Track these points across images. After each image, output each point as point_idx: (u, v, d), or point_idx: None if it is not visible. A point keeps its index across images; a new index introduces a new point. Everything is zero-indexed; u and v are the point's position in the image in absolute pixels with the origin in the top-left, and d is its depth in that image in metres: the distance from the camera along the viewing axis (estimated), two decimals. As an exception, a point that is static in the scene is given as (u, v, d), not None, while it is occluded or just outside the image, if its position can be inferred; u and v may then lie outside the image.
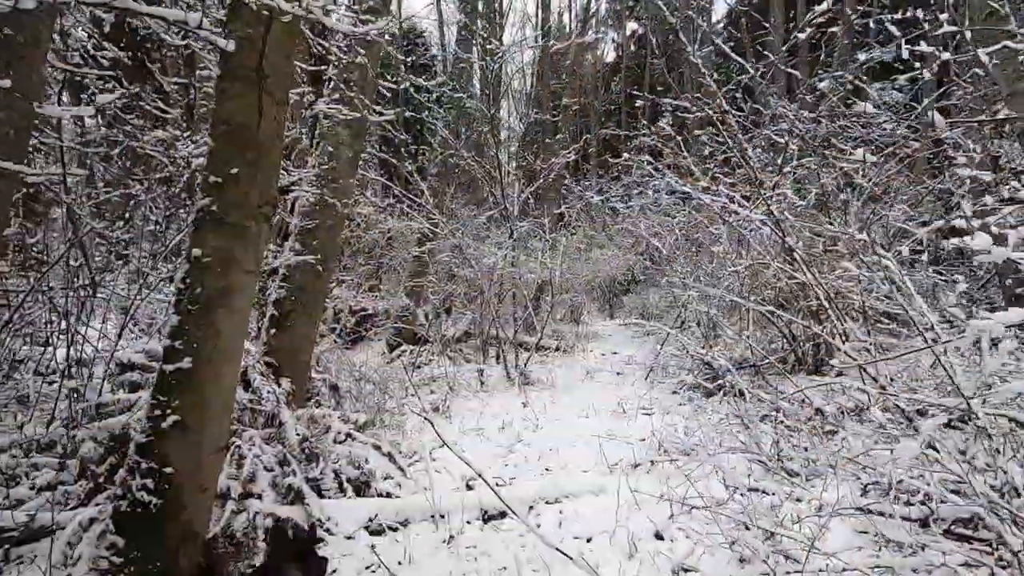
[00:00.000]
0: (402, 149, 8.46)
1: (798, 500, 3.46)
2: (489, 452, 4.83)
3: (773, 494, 3.56)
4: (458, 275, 7.69)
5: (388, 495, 3.54)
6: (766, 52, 12.78)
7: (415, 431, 5.41)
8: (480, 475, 2.81)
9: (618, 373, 8.47)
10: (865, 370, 4.68)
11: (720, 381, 6.72)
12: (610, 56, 29.40)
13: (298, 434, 3.53)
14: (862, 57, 7.38)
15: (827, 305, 5.02)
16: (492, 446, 4.99)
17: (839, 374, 7.71)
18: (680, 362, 7.80)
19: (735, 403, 6.05)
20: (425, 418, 3.66)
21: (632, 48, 27.92)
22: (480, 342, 8.70)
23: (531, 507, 3.53)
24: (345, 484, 3.40)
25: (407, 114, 9.52)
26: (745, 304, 5.44)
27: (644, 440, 4.96)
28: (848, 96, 6.74)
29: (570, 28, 25.46)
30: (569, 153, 7.81)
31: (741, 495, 3.50)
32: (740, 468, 4.00)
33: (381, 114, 4.62)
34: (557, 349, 10.37)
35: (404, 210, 8.33)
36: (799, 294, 6.55)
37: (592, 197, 8.29)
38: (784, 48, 7.62)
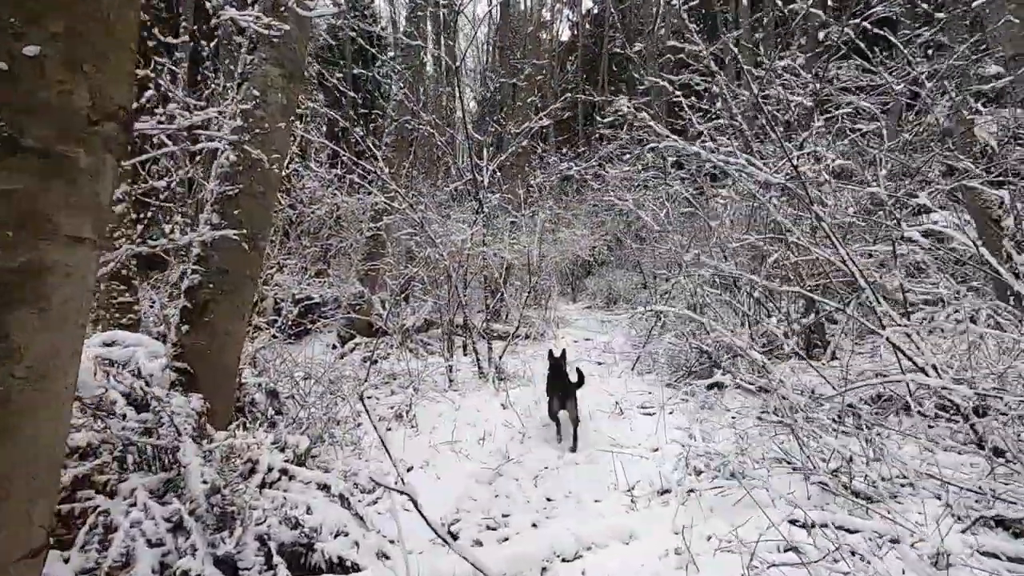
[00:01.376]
0: (352, 111, 7.17)
1: (894, 541, 2.58)
2: (471, 475, 3.78)
3: (857, 531, 2.67)
4: (419, 257, 6.55)
5: (340, 565, 2.44)
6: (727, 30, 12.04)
7: (376, 447, 4.30)
8: (464, 556, 1.77)
9: (599, 363, 7.56)
10: (905, 355, 3.91)
11: (721, 371, 5.90)
12: (565, 35, 28.35)
13: (205, 481, 2.37)
14: (820, 35, 6.65)
15: (864, 284, 4.19)
16: (474, 466, 3.93)
17: (833, 358, 7.06)
18: (669, 349, 6.95)
19: (743, 397, 5.23)
20: (382, 441, 2.59)
21: (588, 27, 26.92)
22: (445, 332, 7.59)
23: (544, 570, 2.52)
24: (275, 557, 2.27)
25: (356, 71, 8.17)
26: (761, 283, 4.55)
27: (657, 451, 4.02)
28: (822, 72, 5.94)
29: (525, 5, 24.22)
30: (541, 117, 6.76)
31: (822, 531, 2.59)
32: (797, 491, 3.11)
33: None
34: (527, 336, 9.39)
35: (355, 183, 7.07)
36: (809, 272, 5.78)
37: (568, 168, 7.27)
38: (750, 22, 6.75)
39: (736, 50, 5.27)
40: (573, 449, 4.14)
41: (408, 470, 3.99)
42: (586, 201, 11.88)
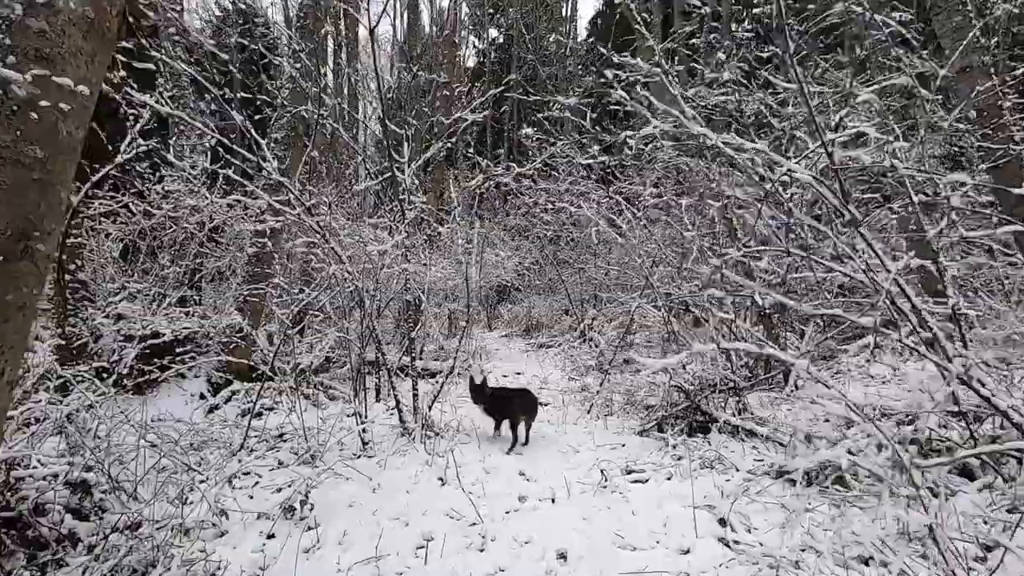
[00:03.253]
0: (228, 89, 5.36)
1: None
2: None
3: None
4: (318, 278, 4.84)
5: None
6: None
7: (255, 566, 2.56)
8: None
9: (543, 404, 6.17)
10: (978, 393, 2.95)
11: (700, 414, 4.74)
12: (471, 61, 27.56)
13: None
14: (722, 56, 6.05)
15: (917, 305, 3.19)
16: (416, 610, 2.34)
17: (795, 388, 6.24)
18: (629, 385, 5.74)
19: (737, 445, 4.07)
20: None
21: (493, 56, 26.32)
22: (353, 370, 5.82)
23: None
24: None
25: (236, 39, 6.29)
26: (789, 303, 3.42)
27: (688, 554, 2.67)
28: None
29: (429, 28, 23.12)
30: (473, 109, 5.38)
31: None
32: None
33: None
34: (451, 372, 7.80)
35: (235, 181, 5.22)
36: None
37: (504, 173, 5.94)
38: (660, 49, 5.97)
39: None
40: (524, 442, 4.12)
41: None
42: (512, 216, 10.65)
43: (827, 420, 4.88)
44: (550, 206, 6.99)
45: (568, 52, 17.52)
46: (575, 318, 10.74)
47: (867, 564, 2.47)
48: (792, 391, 6.06)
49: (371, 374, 6.90)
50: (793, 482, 3.33)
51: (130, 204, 6.27)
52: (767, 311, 5.92)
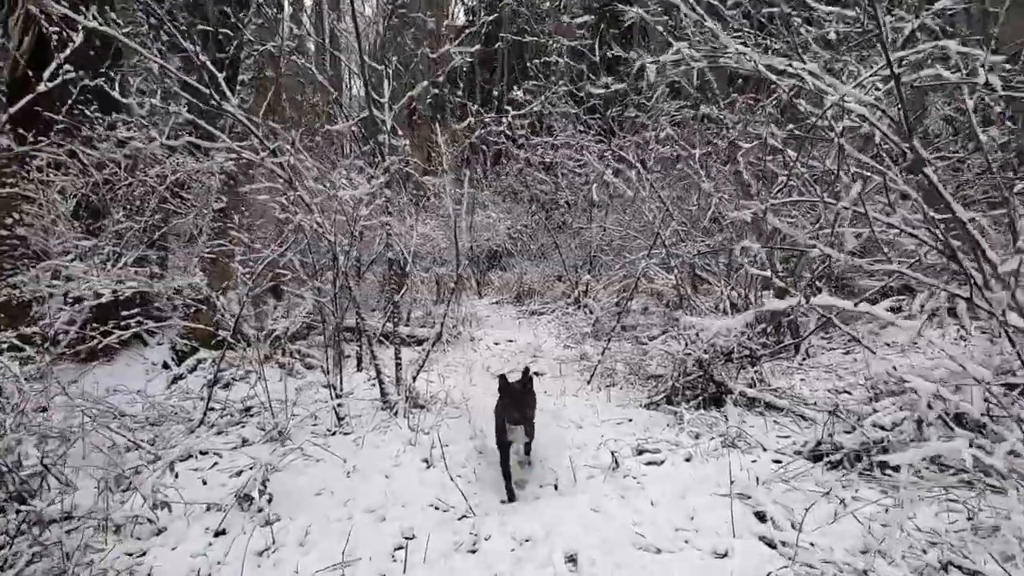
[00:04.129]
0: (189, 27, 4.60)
1: None
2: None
3: None
4: (285, 231, 4.21)
5: None
6: None
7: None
8: None
9: (537, 373, 5.66)
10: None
11: (714, 385, 4.24)
12: (460, 19, 26.20)
13: None
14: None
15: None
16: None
17: (807, 356, 5.77)
18: (630, 355, 5.23)
19: (757, 419, 3.59)
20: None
21: (483, 14, 24.99)
22: (330, 339, 5.24)
23: None
24: None
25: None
26: (844, 258, 2.86)
27: (726, 558, 2.17)
28: None
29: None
30: (470, 39, 4.62)
31: None
32: None
33: None
34: (439, 339, 7.26)
35: (197, 125, 4.50)
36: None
37: (498, 123, 5.25)
38: None
39: None
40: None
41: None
42: (504, 177, 9.96)
43: (847, 392, 4.43)
44: (545, 161, 6.32)
45: (562, 8, 16.50)
46: (569, 284, 10.20)
47: (946, 571, 1.99)
48: (804, 360, 5.62)
49: (352, 341, 6.34)
50: (835, 465, 2.84)
51: (79, 152, 5.53)
52: (780, 274, 5.39)
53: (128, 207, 5.77)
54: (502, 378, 2.93)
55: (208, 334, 5.67)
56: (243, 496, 2.72)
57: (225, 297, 5.15)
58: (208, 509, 2.68)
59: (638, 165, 4.45)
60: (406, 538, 2.38)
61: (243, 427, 4.00)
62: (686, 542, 2.25)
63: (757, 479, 2.64)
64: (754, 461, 3.02)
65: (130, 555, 2.29)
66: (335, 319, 4.14)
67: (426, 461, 3.17)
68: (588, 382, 4.95)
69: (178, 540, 2.42)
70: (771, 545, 2.18)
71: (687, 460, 3.09)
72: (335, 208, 3.77)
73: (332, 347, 4.26)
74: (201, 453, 3.53)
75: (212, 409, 4.24)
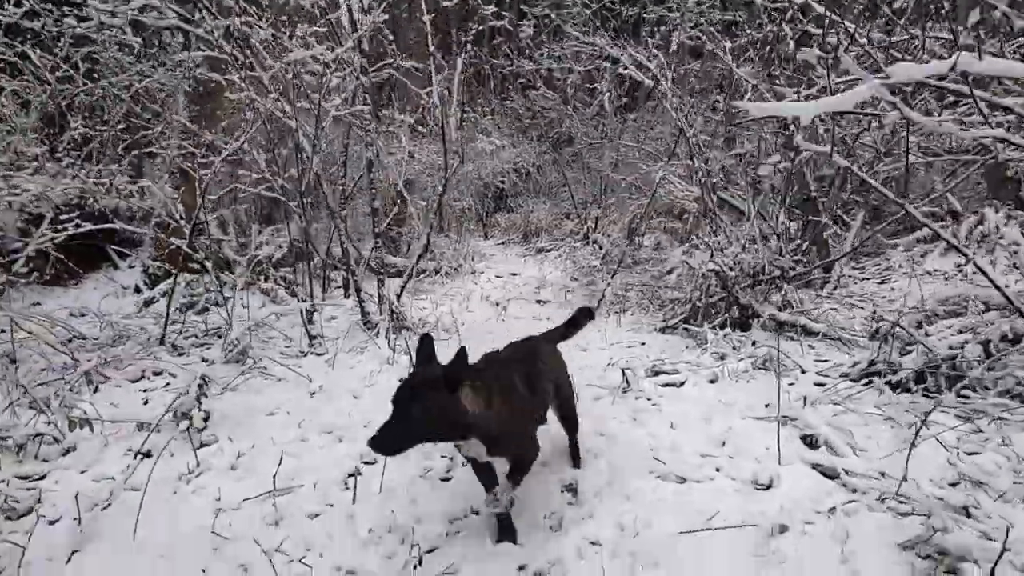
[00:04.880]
0: None
1: None
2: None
3: None
4: (248, 124, 3.55)
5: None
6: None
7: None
8: None
9: (540, 302, 5.14)
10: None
11: (739, 308, 3.68)
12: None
13: None
14: None
15: None
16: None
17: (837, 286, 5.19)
18: (639, 280, 4.66)
19: (786, 342, 3.04)
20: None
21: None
22: (317, 267, 4.71)
23: None
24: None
25: None
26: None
27: (770, 489, 1.65)
28: None
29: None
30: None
31: None
32: None
33: None
34: (437, 271, 6.74)
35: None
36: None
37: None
38: None
39: None
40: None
41: None
42: (510, 99, 9.14)
43: (885, 319, 3.86)
44: (555, 78, 5.55)
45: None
46: (578, 220, 9.55)
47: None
48: (834, 289, 5.03)
49: (338, 268, 5.82)
50: (893, 388, 2.30)
51: (31, 54, 4.87)
52: (813, 194, 4.73)
53: (89, 116, 5.16)
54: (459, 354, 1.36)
55: (176, 254, 5.18)
56: (181, 415, 2.25)
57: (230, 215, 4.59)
58: (140, 428, 2.22)
59: (659, 55, 3.72)
60: (365, 462, 1.89)
61: (208, 348, 3.53)
62: (717, 470, 1.74)
63: (804, 399, 2.11)
64: (792, 384, 2.49)
65: (24, 478, 1.83)
66: (302, 223, 3.58)
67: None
68: (596, 307, 4.40)
69: (90, 462, 1.96)
70: (829, 476, 1.66)
71: (711, 382, 2.56)
72: (300, 92, 3.13)
73: (304, 260, 3.73)
74: (155, 374, 3.07)
75: (178, 332, 3.76)
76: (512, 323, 4.20)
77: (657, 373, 2.73)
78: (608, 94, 4.85)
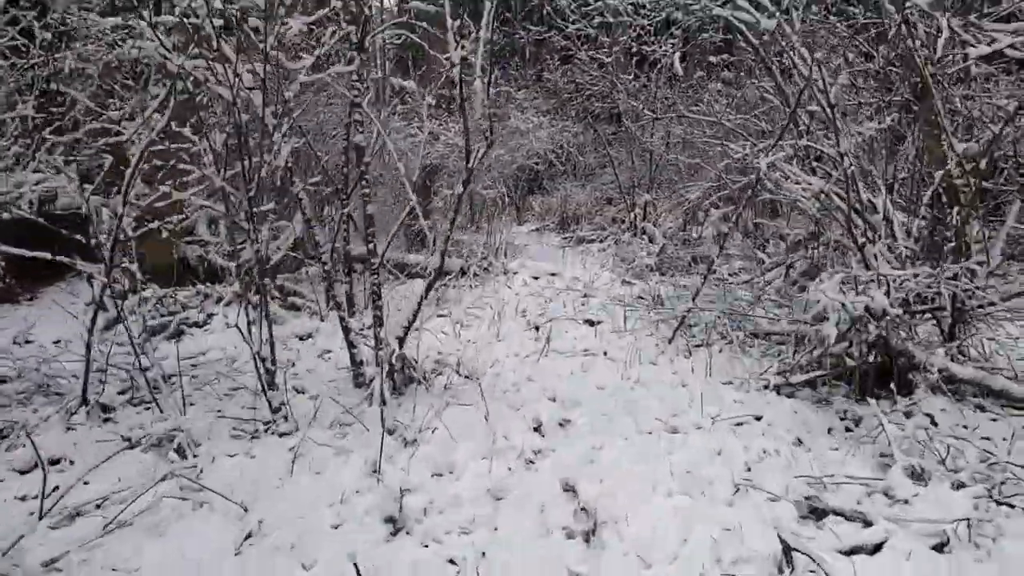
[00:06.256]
0: None
1: None
2: None
3: None
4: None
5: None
6: None
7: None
8: None
9: (589, 322, 3.91)
10: None
11: (887, 356, 2.44)
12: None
13: None
14: None
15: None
16: None
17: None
18: (724, 301, 3.41)
19: None
20: None
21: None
22: (322, 268, 3.65)
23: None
24: None
25: None
26: None
27: None
28: None
29: None
30: None
31: None
32: None
33: None
34: (464, 272, 5.59)
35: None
36: None
37: None
38: None
39: None
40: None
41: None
42: (547, 72, 7.85)
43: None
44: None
45: None
46: (625, 206, 8.25)
47: None
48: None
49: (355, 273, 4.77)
50: None
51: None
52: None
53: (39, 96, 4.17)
54: None
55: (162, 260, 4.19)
56: None
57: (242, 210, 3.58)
58: None
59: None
60: None
61: (146, 410, 2.52)
62: None
63: None
64: None
65: None
66: (238, 206, 2.48)
67: (392, 521, 1.58)
68: (670, 340, 3.19)
69: None
70: None
71: (941, 549, 1.37)
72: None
73: (326, 279, 2.66)
74: (53, 462, 2.09)
75: (121, 378, 2.78)
76: (556, 363, 3.04)
77: (821, 513, 1.55)
78: (678, 54, 3.58)
